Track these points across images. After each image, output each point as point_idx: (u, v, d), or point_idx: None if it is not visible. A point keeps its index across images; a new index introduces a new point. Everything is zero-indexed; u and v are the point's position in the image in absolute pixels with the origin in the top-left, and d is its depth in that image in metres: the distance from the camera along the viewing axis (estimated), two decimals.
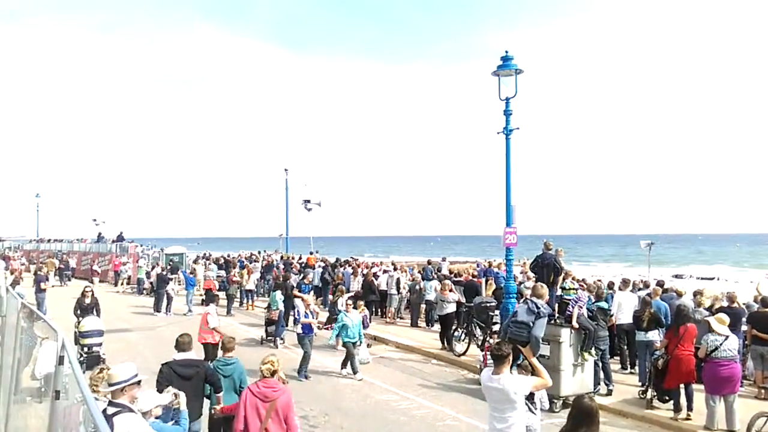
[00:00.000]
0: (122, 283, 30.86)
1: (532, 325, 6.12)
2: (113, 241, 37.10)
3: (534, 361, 5.92)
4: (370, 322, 16.99)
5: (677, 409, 9.50)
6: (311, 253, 29.07)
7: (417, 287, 18.79)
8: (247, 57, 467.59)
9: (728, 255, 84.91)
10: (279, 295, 16.24)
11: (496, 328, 13.61)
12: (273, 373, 6.05)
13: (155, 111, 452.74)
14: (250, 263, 28.09)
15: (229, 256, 34.55)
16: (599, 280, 16.68)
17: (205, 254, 37.92)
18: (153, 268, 28.16)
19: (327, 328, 16.73)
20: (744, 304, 12.95)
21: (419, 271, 21.60)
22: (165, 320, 20.34)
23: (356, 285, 20.01)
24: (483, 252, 69.52)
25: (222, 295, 23.84)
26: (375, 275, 21.14)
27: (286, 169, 33.30)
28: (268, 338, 16.07)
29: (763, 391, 10.58)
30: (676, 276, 38.19)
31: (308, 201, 32.12)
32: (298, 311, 13.59)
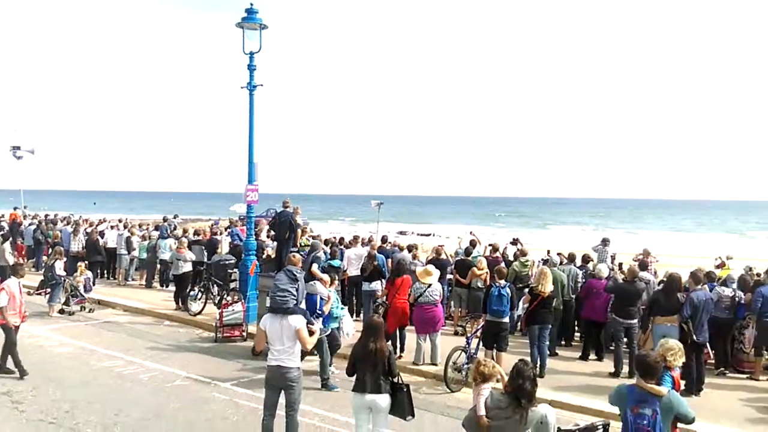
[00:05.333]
0: None
1: (295, 293, 6.61)
2: None
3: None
4: (94, 284, 15.47)
5: (393, 350, 10.68)
6: (15, 209, 25.11)
7: (152, 245, 17.64)
8: None
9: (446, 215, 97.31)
10: None
11: (234, 285, 13.60)
12: None
13: None
14: None
15: None
16: (335, 237, 17.67)
17: None
18: None
19: (39, 294, 14.77)
20: (452, 255, 15.01)
21: (155, 228, 20.31)
22: None
23: (77, 245, 17.93)
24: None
25: None
26: (101, 233, 19.23)
27: None
28: None
29: (460, 328, 12.46)
30: (401, 232, 42.63)
31: (17, 147, 27.50)
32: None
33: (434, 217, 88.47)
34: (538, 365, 9.78)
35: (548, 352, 10.43)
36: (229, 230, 18.54)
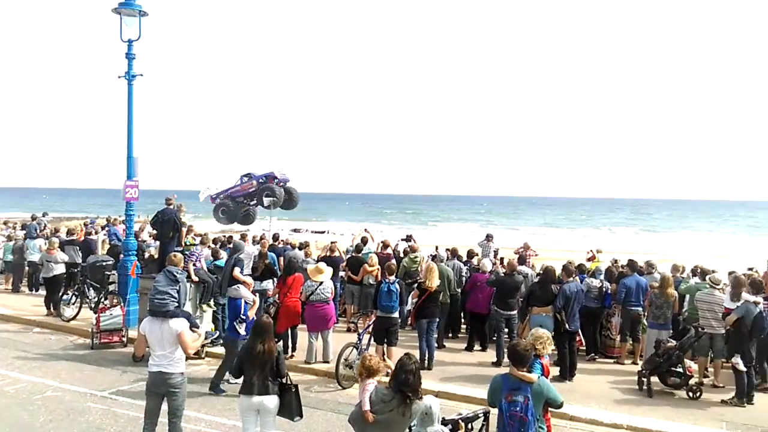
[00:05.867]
0: None
1: (176, 295, 6.31)
2: None
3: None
4: None
5: (285, 349, 10.54)
6: None
7: (18, 246, 16.16)
8: None
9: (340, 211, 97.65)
10: None
11: (112, 288, 12.83)
12: None
13: None
14: None
15: None
16: (224, 236, 17.15)
17: None
18: None
19: None
20: (344, 252, 15.06)
21: (21, 228, 18.66)
22: None
23: None
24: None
25: None
26: None
27: None
28: None
29: (353, 324, 12.53)
30: (295, 230, 42.22)
31: None
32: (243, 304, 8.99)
33: (329, 215, 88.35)
34: (426, 358, 10.10)
35: (436, 345, 10.79)
36: (106, 229, 17.41)
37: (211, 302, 11.21)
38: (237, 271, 9.91)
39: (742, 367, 8.70)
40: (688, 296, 10.61)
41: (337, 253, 13.71)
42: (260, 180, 26.93)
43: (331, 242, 14.79)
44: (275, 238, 15.72)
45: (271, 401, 5.89)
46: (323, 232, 43.07)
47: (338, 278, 13.18)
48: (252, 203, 27.42)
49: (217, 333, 11.19)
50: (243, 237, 14.53)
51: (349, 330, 12.43)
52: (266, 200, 24.14)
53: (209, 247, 12.38)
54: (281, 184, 26.70)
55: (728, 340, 9.17)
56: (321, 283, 10.16)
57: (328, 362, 10.10)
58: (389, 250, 13.88)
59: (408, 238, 16.10)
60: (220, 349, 10.82)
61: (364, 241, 14.18)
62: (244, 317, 8.75)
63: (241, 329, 8.68)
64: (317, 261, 12.70)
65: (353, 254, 13.53)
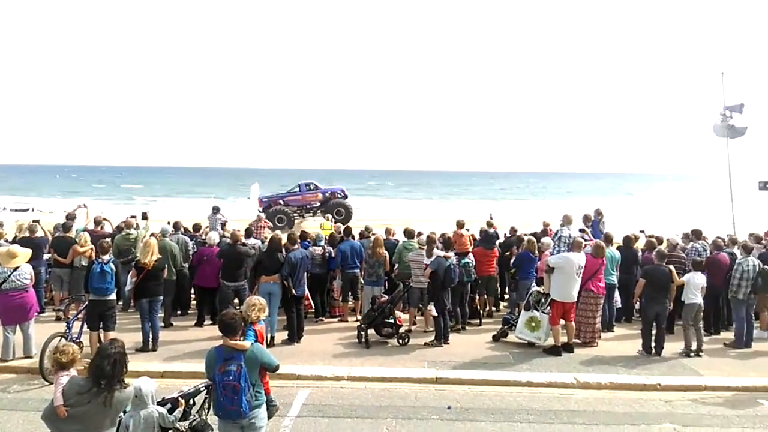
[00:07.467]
0: None
1: None
2: None
3: None
4: None
5: None
6: None
7: None
8: None
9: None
10: None
11: None
12: None
13: None
14: None
15: None
16: None
17: None
18: None
19: None
20: (50, 231, 13.20)
21: None
22: None
23: None
24: None
25: None
26: None
27: None
28: None
29: (61, 312, 11.09)
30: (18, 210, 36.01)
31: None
32: None
33: (36, 189, 76.87)
34: (150, 339, 9.57)
35: (162, 324, 10.25)
36: None
37: None
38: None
39: (434, 312, 10.14)
40: (397, 255, 11.89)
41: (39, 233, 11.95)
42: (326, 194, 26.80)
43: (33, 220, 12.84)
44: None
45: None
46: (26, 210, 37.25)
47: (43, 261, 11.57)
48: (308, 215, 26.64)
49: None
50: None
51: (58, 319, 11.07)
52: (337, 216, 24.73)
53: None
54: (345, 199, 27.21)
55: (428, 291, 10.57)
56: (16, 268, 8.79)
57: (31, 357, 8.88)
58: (108, 228, 12.61)
59: (144, 216, 14.97)
60: None
61: (71, 217, 12.62)
62: None
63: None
64: (12, 243, 10.92)
65: (60, 234, 11.96)
